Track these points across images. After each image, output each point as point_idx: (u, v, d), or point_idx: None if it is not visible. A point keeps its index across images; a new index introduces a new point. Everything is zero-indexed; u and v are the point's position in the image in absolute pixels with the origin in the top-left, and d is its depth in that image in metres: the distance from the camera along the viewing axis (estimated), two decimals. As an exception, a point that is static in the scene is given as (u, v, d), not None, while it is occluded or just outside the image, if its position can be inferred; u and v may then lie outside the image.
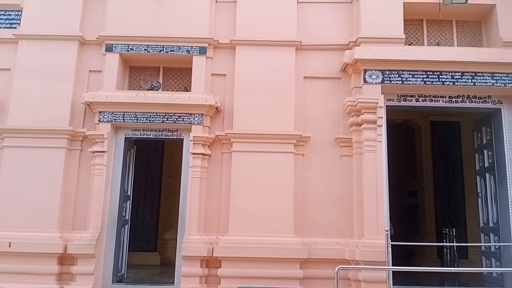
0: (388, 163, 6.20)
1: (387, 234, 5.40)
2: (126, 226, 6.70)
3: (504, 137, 6.37)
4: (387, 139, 6.32)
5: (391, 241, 5.75)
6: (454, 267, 8.66)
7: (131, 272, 7.19)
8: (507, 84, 6.09)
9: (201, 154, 6.05)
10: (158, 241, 9.41)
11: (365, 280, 5.49)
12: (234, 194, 5.96)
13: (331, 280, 4.43)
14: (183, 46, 6.48)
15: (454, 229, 9.09)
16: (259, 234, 5.78)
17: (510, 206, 6.19)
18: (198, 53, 6.47)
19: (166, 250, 9.09)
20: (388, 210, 6.03)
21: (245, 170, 6.01)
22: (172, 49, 6.50)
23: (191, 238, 5.83)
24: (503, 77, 6.10)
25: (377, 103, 5.93)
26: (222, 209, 6.02)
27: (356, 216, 5.92)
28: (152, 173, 9.63)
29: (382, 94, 6.05)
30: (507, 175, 6.25)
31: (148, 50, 6.50)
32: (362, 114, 6.01)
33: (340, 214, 6.06)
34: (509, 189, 6.22)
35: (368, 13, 6.37)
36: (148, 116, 6.23)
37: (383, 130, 6.13)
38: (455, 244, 8.61)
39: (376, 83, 6.10)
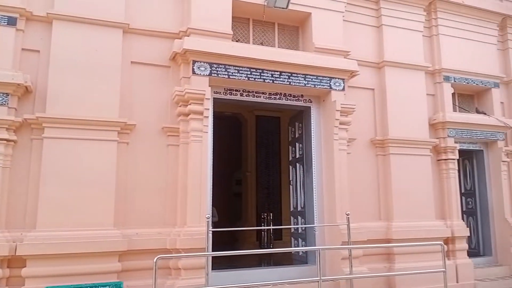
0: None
1: (208, 221, 5.60)
2: None
3: (312, 132, 7.24)
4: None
5: (215, 228, 6.01)
6: (270, 248, 9.57)
7: None
8: (316, 86, 6.90)
9: (5, 140, 5.24)
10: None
11: (185, 267, 5.59)
12: (44, 186, 5.33)
13: (152, 271, 4.36)
14: (-13, 14, 5.51)
15: (271, 214, 10.01)
16: (74, 229, 5.32)
17: (314, 192, 7.08)
18: (6, 23, 5.56)
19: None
20: (211, 198, 6.25)
21: (59, 159, 5.43)
22: (-27, 16, 5.46)
23: (-12, 236, 5.03)
24: (313, 79, 6.89)
25: (204, 94, 6.04)
26: (30, 202, 5.33)
27: (180, 205, 5.96)
28: None
29: (209, 86, 6.18)
30: (313, 165, 7.13)
31: None
32: (190, 104, 6.05)
33: (164, 204, 6.02)
34: (314, 177, 7.11)
35: (199, 5, 6.42)
36: None
37: (210, 121, 6.30)
38: (270, 227, 9.45)
39: (204, 75, 6.20)
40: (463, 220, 8.18)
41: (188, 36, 6.28)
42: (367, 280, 6.47)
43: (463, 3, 8.49)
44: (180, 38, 6.33)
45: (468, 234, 7.89)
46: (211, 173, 6.29)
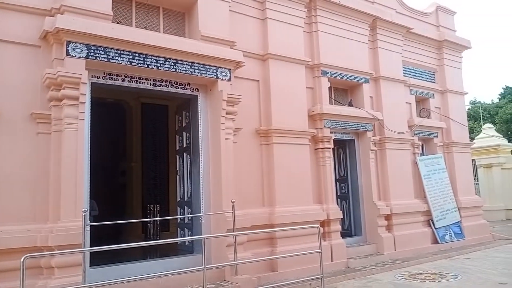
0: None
1: (84, 215, 5.23)
2: None
3: (199, 121, 7.20)
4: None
5: (95, 222, 5.63)
6: (157, 240, 9.32)
7: None
8: (202, 74, 6.85)
9: None
10: None
11: (59, 265, 5.15)
12: None
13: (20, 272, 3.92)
14: None
15: (158, 205, 9.75)
16: None
17: (201, 182, 7.06)
18: None
19: None
20: (89, 190, 5.84)
21: None
22: None
23: None
24: (200, 68, 6.83)
25: (80, 78, 5.58)
26: None
27: (52, 199, 5.46)
28: None
29: (86, 69, 5.73)
30: (200, 155, 7.10)
31: None
32: (64, 89, 5.54)
33: (34, 198, 5.46)
34: (201, 167, 7.09)
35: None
36: None
37: (86, 108, 5.86)
38: (156, 219, 9.20)
39: (80, 57, 5.73)
40: (337, 204, 8.92)
41: (61, 14, 5.74)
42: (251, 264, 6.66)
43: (339, 3, 9.15)
44: (53, 16, 5.75)
45: (341, 217, 8.62)
46: (89, 164, 5.87)
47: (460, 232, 10.87)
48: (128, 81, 6.45)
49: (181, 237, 7.60)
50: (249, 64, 7.66)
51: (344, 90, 9.91)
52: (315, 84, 8.84)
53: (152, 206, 9.86)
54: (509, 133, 33.02)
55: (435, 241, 10.26)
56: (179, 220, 7.87)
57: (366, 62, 9.86)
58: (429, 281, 7.20)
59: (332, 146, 8.78)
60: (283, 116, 7.98)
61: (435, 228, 10.37)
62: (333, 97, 9.49)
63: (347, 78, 9.37)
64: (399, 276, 7.67)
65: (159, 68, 6.43)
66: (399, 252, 9.26)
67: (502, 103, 39.98)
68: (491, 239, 11.55)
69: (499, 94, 43.56)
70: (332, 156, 8.84)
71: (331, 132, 8.77)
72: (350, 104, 9.65)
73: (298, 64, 8.40)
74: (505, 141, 18.67)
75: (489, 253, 9.86)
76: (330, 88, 9.19)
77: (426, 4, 12.72)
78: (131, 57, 6.16)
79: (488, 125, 20.11)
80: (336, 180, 9.56)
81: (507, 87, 42.58)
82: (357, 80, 9.57)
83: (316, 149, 8.61)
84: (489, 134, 18.34)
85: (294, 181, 7.88)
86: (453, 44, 12.10)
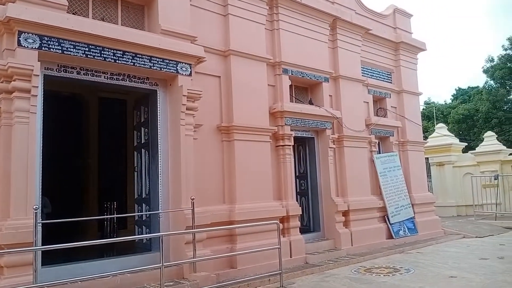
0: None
1: (35, 212, 5.01)
2: None
3: (158, 116, 7.07)
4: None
5: (49, 219, 5.41)
6: (114, 238, 9.08)
7: None
8: (162, 69, 6.73)
9: None
10: None
11: (8, 265, 4.93)
12: None
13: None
14: None
15: (115, 202, 9.51)
16: None
17: (160, 179, 6.95)
18: None
19: None
20: (41, 187, 5.61)
21: None
22: None
23: None
24: (159, 62, 6.70)
25: (32, 70, 5.33)
26: None
27: (1, 195, 5.21)
28: None
29: (39, 61, 5.48)
30: (159, 151, 6.98)
31: None
32: (14, 81, 5.30)
33: (-20, 195, 5.18)
34: (160, 163, 6.97)
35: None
36: None
37: (39, 101, 5.62)
38: (111, 216, 8.96)
39: (32, 48, 5.47)
40: (297, 201, 9.04)
41: (13, 2, 5.47)
42: (210, 261, 6.65)
43: (300, 2, 9.25)
44: (3, 4, 5.48)
45: (301, 213, 8.75)
46: (41, 159, 5.62)
47: (413, 228, 11.30)
48: (83, 74, 6.24)
49: (138, 234, 7.45)
50: (211, 59, 7.61)
51: (304, 88, 10.05)
52: (276, 82, 8.91)
53: (109, 203, 9.59)
54: (460, 132, 34.66)
55: (390, 236, 10.61)
56: (137, 218, 7.71)
57: (326, 61, 10.03)
58: (384, 275, 7.44)
59: (293, 144, 8.88)
60: (245, 113, 7.98)
61: (390, 223, 10.72)
62: (294, 95, 9.59)
63: (308, 76, 9.50)
64: (355, 271, 7.88)
65: (117, 61, 6.25)
66: (356, 247, 9.51)
67: (454, 104, 41.88)
68: (443, 234, 12.09)
69: (452, 95, 45.60)
70: (292, 153, 8.94)
71: (291, 130, 8.87)
72: (310, 103, 9.79)
73: (259, 62, 8.43)
74: (456, 140, 19.58)
75: (441, 248, 10.32)
76: (291, 86, 9.28)
77: (384, 6, 13.10)
78: (87, 49, 5.96)
79: (441, 124, 21.02)
80: (296, 177, 9.69)
81: (459, 88, 44.65)
82: (317, 79, 9.72)
83: (276, 146, 8.68)
84: (441, 134, 19.17)
85: (254, 178, 7.92)
86: (409, 46, 12.54)
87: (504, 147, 18.21)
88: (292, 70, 9.12)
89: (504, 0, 60.81)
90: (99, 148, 10.47)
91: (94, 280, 5.42)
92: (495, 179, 15.75)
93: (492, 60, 36.85)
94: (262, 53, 8.50)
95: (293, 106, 9.02)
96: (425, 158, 13.98)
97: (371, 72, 11.63)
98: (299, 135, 9.43)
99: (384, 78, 12.08)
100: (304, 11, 9.46)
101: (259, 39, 8.52)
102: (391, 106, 12.03)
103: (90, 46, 5.97)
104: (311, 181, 9.89)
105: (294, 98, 9.57)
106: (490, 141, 18.02)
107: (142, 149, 7.49)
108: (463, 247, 10.34)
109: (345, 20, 10.37)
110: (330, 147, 9.72)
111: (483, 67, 37.36)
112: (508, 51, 34.85)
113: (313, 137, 9.85)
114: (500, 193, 15.95)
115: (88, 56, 5.96)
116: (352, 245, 9.50)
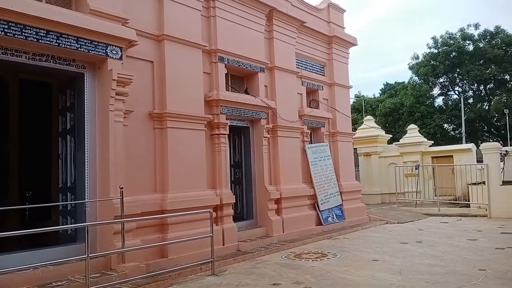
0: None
1: None
2: None
3: (86, 101, 6.71)
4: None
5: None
6: (36, 229, 8.54)
7: None
8: (90, 51, 6.37)
9: None
10: None
11: None
12: None
13: None
14: None
15: (37, 191, 8.94)
16: None
17: (86, 166, 6.62)
18: None
19: None
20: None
21: None
22: None
23: None
24: (87, 44, 6.34)
25: None
26: None
27: None
28: None
29: None
30: (86, 137, 6.64)
31: None
32: None
33: None
34: (86, 150, 6.64)
35: None
36: None
37: None
38: (32, 206, 8.42)
39: None
40: (231, 189, 9.08)
41: None
42: (140, 252, 6.50)
43: (237, -11, 9.21)
44: None
45: (234, 201, 8.81)
46: (-50, 144, 5.13)
47: (341, 214, 11.84)
48: (2, 53, 5.75)
49: (63, 225, 7.07)
50: (144, 43, 7.35)
51: (240, 77, 10.06)
52: (212, 70, 8.82)
53: (30, 192, 8.99)
54: (387, 125, 36.76)
55: (319, 223, 11.04)
56: (61, 208, 7.31)
57: (262, 52, 10.11)
58: (312, 260, 7.73)
59: (228, 133, 8.88)
60: (179, 100, 7.83)
61: (319, 210, 11.15)
62: (230, 84, 9.57)
63: (244, 66, 9.51)
64: (285, 257, 8.11)
65: (40, 41, 5.82)
66: (287, 234, 9.79)
67: (382, 97, 44.28)
68: (368, 221, 12.80)
69: (380, 90, 48.14)
70: (227, 142, 8.95)
71: (227, 119, 8.86)
72: (246, 92, 9.83)
73: (195, 48, 8.29)
74: (382, 132, 20.73)
75: (366, 233, 10.93)
76: (227, 74, 9.24)
77: (319, 0, 13.42)
78: (6, 26, 5.48)
79: (369, 117, 22.11)
80: (231, 166, 9.73)
81: (387, 83, 47.24)
82: (253, 69, 9.77)
83: (211, 135, 8.63)
84: (369, 126, 20.18)
85: (188, 167, 7.83)
86: (341, 40, 12.99)
87: (425, 139, 19.60)
88: (228, 59, 9.08)
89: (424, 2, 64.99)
90: (20, 133, 9.75)
91: (13, 273, 5.10)
92: (416, 169, 16.91)
93: (417, 57, 39.37)
94: (198, 40, 8.35)
95: (229, 95, 9.00)
96: (354, 148, 14.65)
97: (305, 65, 11.91)
98: (234, 124, 9.45)
99: (317, 71, 12.43)
100: (241, 0, 9.42)
101: (194, 25, 8.36)
102: (323, 98, 12.44)
103: (10, 24, 5.50)
104: (246, 170, 9.98)
105: (230, 87, 9.55)
106: (412, 133, 19.29)
107: (68, 135, 7.08)
108: (385, 232, 11.03)
109: (281, 12, 10.49)
110: (264, 137, 9.86)
111: (408, 63, 39.79)
112: (432, 49, 37.42)
113: (248, 127, 9.92)
114: (420, 182, 17.16)
115: (8, 34, 5.48)
116: (283, 232, 9.76)
